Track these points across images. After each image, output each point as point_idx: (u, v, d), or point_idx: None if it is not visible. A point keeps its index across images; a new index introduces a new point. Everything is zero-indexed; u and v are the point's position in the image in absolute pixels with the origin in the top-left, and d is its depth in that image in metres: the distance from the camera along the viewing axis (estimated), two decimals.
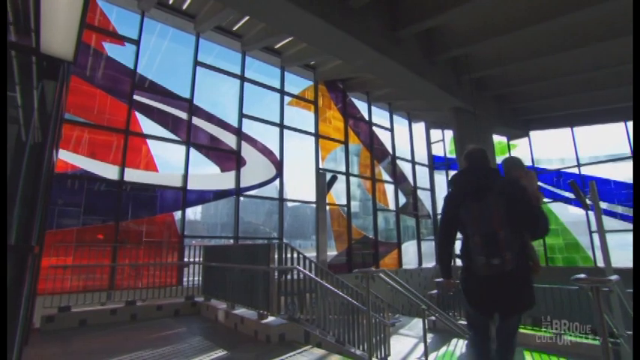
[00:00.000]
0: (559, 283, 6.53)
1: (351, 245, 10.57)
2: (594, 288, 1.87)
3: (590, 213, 10.21)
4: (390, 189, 12.64)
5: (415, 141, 14.31)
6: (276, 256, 4.49)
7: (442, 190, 14.65)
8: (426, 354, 4.17)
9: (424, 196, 14.15)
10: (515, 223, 2.11)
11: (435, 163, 14.94)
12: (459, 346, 6.60)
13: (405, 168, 13.53)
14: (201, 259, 6.63)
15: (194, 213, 8.47)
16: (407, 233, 12.91)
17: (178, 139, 7.77)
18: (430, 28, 8.42)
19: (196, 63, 8.26)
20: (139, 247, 6.68)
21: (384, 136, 12.90)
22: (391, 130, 13.21)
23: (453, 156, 13.20)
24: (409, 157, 13.86)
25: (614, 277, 1.95)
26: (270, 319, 4.48)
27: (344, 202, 10.83)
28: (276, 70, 10.02)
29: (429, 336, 7.30)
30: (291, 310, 4.48)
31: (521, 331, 6.69)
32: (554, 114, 12.54)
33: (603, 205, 11.03)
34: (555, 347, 6.08)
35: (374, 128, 12.53)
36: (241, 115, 8.90)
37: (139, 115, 7.28)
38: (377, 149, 12.45)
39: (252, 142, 9.04)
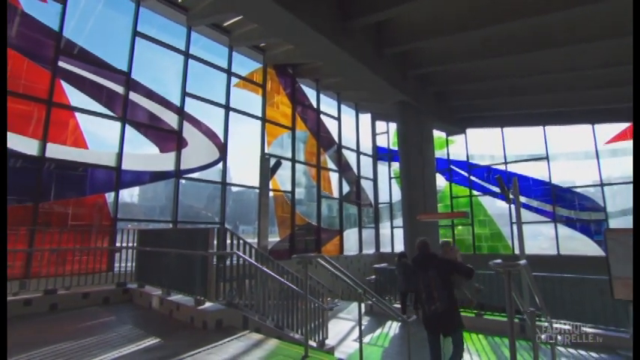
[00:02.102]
0: (483, 268, 7.23)
1: (294, 231, 10.66)
2: (506, 271, 2.10)
3: (512, 206, 11.31)
4: (334, 177, 12.90)
5: (361, 131, 14.69)
6: (215, 242, 4.38)
7: (384, 179, 15.32)
8: (360, 336, 4.38)
9: (367, 186, 14.66)
10: (446, 285, 3.65)
11: (379, 154, 15.51)
12: (393, 327, 7.05)
13: (350, 157, 13.87)
14: (135, 243, 6.24)
15: (130, 195, 7.96)
16: (349, 221, 13.32)
17: (113, 114, 7.17)
18: (380, 22, 8.60)
19: (135, 33, 7.62)
20: (64, 231, 6.10)
21: (331, 125, 13.05)
22: (338, 119, 13.40)
23: (396, 148, 13.76)
24: (354, 147, 14.21)
25: (522, 262, 2.20)
26: (208, 305, 4.39)
27: (289, 188, 10.84)
28: (224, 49, 9.60)
29: (367, 319, 7.71)
30: (229, 295, 4.43)
31: None
32: (488, 114, 13.61)
33: (523, 199, 12.31)
34: (477, 325, 6.76)
35: (321, 116, 12.61)
36: (184, 94, 8.44)
37: (65, 85, 6.56)
38: (323, 137, 12.57)
39: (195, 122, 8.63)
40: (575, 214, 12.17)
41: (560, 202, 12.43)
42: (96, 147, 6.91)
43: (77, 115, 6.66)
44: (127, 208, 7.67)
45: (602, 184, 11.81)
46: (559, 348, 5.14)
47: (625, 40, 7.73)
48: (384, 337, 6.61)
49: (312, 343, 4.58)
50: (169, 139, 8.07)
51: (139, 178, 7.54)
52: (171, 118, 8.15)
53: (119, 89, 7.31)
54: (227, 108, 9.38)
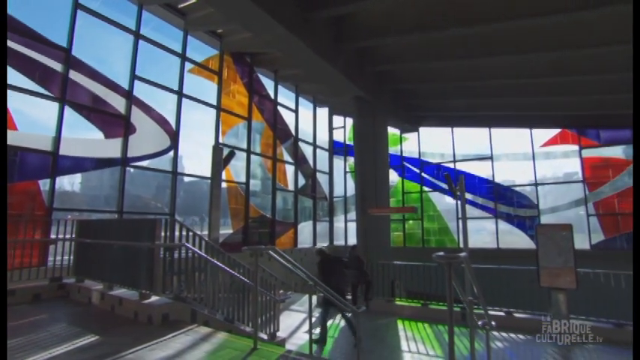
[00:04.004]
0: (430, 261, 7.64)
1: (247, 224, 10.50)
2: (447, 263, 2.21)
3: (459, 202, 12.02)
4: (290, 170, 12.85)
5: (318, 125, 14.73)
6: (162, 233, 4.20)
7: (340, 173, 15.56)
8: (310, 327, 4.46)
9: (322, 179, 14.78)
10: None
11: (335, 148, 15.69)
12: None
13: (307, 150, 13.88)
14: (74, 235, 5.78)
15: (71, 183, 7.36)
16: (304, 214, 13.38)
17: (49, 94, 6.54)
18: (340, 16, 8.63)
19: (77, 5, 6.98)
20: None
21: (288, 117, 12.95)
22: (296, 111, 13.34)
23: (352, 143, 14.00)
24: (311, 140, 14.23)
25: (462, 254, 2.33)
26: (154, 299, 4.20)
27: (243, 179, 10.64)
28: (179, 32, 9.12)
29: (319, 310, 7.82)
30: (177, 289, 4.28)
31: (397, 303, 7.71)
32: (440, 114, 14.29)
33: (469, 196, 13.12)
34: (423, 314, 7.13)
35: (279, 108, 12.47)
36: (133, 77, 7.91)
37: None
38: (280, 129, 12.45)
39: (145, 108, 8.14)
40: (513, 211, 13.22)
41: (502, 199, 13.43)
42: (27, 129, 6.26)
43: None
44: (66, 197, 7.11)
45: (536, 184, 12.93)
46: (493, 333, 5.58)
47: (568, 52, 8.52)
48: (334, 327, 6.76)
49: (263, 335, 4.58)
50: (116, 124, 7.55)
51: (80, 165, 6.98)
52: (118, 102, 7.62)
53: (57, 66, 6.68)
54: (180, 94, 8.95)
